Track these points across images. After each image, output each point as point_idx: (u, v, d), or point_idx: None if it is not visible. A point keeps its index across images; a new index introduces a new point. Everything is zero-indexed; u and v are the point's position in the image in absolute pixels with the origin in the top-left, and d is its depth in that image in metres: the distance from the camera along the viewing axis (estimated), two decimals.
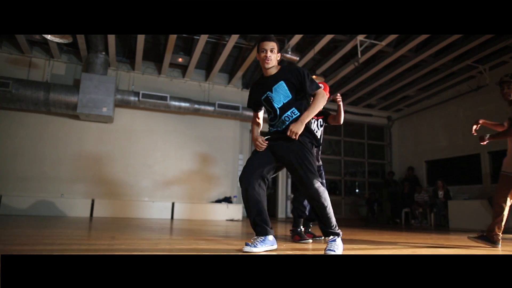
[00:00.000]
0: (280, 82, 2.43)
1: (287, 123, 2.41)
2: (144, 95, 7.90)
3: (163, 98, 8.03)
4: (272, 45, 2.42)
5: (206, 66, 8.88)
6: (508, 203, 3.29)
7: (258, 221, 2.36)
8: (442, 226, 7.68)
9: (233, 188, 8.88)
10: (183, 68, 8.70)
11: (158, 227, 4.77)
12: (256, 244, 2.28)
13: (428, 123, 9.59)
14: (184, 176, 8.47)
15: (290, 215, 9.61)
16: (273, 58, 2.44)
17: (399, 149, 10.71)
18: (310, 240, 3.28)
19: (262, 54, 2.43)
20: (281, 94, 2.43)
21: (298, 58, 6.99)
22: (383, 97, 9.86)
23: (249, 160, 2.50)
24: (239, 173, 9.37)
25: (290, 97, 2.42)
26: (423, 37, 6.49)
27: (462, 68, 7.90)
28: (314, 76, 7.23)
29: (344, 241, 3.55)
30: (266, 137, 2.53)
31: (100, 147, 7.99)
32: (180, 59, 8.19)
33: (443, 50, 7.26)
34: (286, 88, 2.42)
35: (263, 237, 2.34)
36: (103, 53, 7.62)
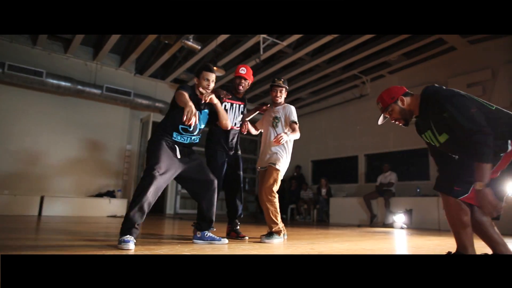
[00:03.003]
0: (206, 111, 2.81)
1: (194, 142, 2.78)
2: (12, 68, 6.60)
3: (38, 74, 6.84)
4: (214, 77, 2.75)
5: (95, 43, 7.89)
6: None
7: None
8: (323, 221, 8.26)
9: (118, 181, 8.10)
10: (66, 42, 7.55)
11: (20, 227, 3.96)
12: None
13: (316, 125, 10.23)
14: (59, 166, 7.37)
15: (179, 211, 9.23)
16: (211, 88, 2.75)
17: None
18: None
19: (205, 83, 2.70)
20: (202, 120, 2.79)
21: (199, 47, 6.67)
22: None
23: (162, 160, 2.50)
24: (126, 165, 8.61)
25: (203, 126, 2.82)
26: (320, 42, 6.79)
27: (349, 77, 8.61)
28: (215, 68, 7.02)
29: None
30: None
31: None
32: None
33: (335, 58, 7.78)
34: (206, 118, 2.83)
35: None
36: None
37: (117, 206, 7.14)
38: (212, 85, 2.73)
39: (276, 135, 3.17)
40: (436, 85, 2.13)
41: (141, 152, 8.55)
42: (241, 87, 3.39)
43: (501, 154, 1.84)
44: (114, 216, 6.75)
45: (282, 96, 3.39)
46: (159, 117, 8.95)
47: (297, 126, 3.25)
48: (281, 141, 2.99)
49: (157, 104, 8.53)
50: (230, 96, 3.38)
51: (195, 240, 2.77)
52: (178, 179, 2.70)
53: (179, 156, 2.62)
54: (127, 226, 2.34)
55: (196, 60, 7.73)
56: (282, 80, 3.40)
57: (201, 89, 2.70)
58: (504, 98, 6.34)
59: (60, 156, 7.41)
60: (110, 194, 7.44)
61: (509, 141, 1.83)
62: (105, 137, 8.04)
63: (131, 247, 2.23)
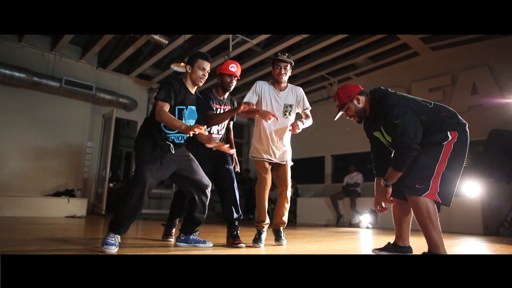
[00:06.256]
0: (193, 107, 2.52)
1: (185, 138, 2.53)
2: None
3: None
4: (209, 67, 2.47)
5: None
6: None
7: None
8: (290, 221, 8.27)
9: (78, 179, 7.69)
10: None
11: None
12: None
13: None
14: (12, 163, 6.87)
15: (143, 211, 8.92)
16: (205, 79, 2.47)
17: None
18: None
19: (201, 73, 2.44)
20: (191, 117, 2.51)
21: (166, 42, 6.49)
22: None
23: (153, 160, 2.33)
24: (87, 162, 8.19)
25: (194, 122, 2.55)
26: (289, 42, 6.80)
27: (317, 78, 8.70)
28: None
29: (210, 237, 3.27)
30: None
31: None
32: None
33: (304, 59, 7.82)
34: (196, 115, 2.55)
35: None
36: None
37: (77, 206, 6.73)
38: (206, 76, 2.47)
39: (290, 124, 2.86)
40: (382, 88, 2.26)
41: (103, 149, 8.17)
42: (231, 87, 2.96)
43: (443, 143, 2.01)
44: (73, 217, 6.36)
45: (287, 74, 2.91)
46: (122, 113, 8.61)
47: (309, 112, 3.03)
48: (297, 131, 2.76)
49: (120, 100, 8.18)
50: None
51: (178, 243, 2.65)
52: (171, 176, 2.49)
53: (173, 152, 2.41)
54: (114, 226, 2.27)
55: (163, 55, 7.51)
56: (287, 54, 2.89)
57: (199, 84, 2.46)
58: (462, 103, 6.64)
59: (13, 152, 6.91)
60: (69, 193, 7.02)
61: (448, 132, 2.02)
62: (64, 133, 7.60)
63: (114, 250, 2.19)
